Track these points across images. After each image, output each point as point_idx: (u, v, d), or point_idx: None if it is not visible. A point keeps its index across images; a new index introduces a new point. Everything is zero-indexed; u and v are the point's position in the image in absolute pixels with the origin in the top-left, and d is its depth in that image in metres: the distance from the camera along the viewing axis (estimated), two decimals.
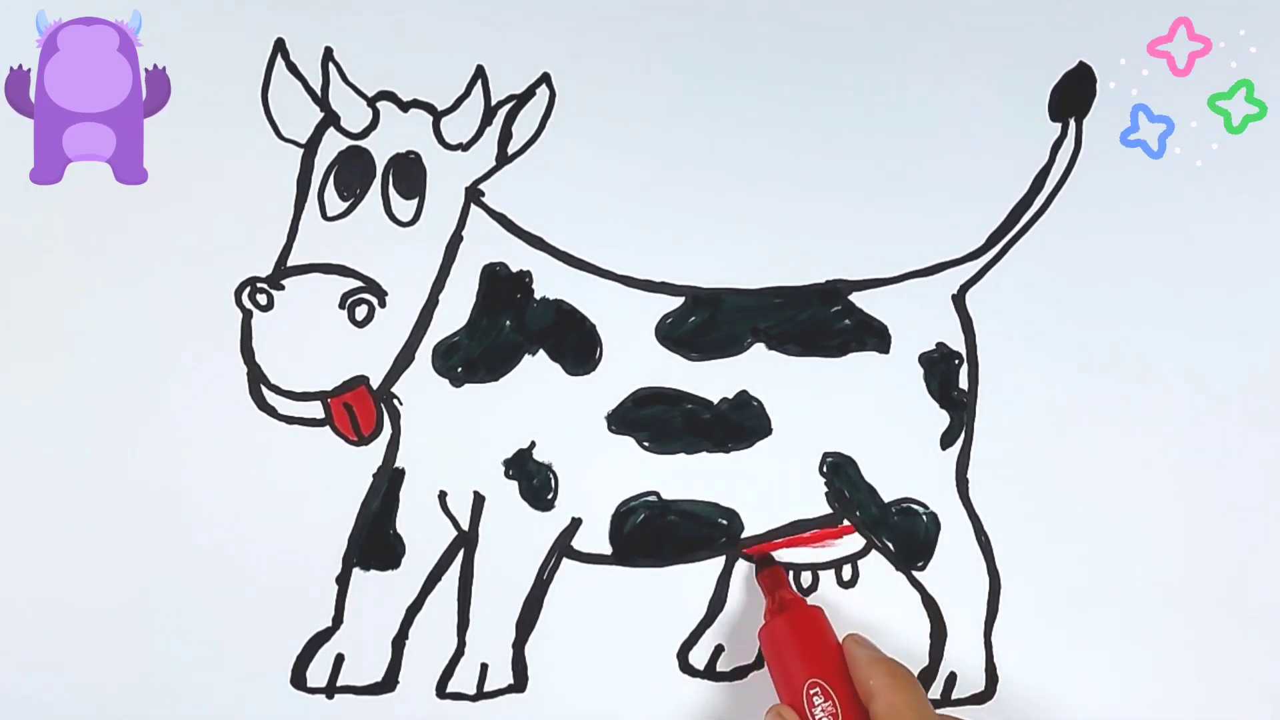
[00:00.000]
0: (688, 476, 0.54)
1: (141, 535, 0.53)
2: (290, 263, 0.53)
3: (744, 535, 0.54)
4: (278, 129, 0.54)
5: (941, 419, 0.54)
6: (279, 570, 0.53)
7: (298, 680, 0.53)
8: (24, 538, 0.53)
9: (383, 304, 0.53)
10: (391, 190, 0.54)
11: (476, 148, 0.55)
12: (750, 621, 0.54)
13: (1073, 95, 0.56)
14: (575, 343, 0.54)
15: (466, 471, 0.54)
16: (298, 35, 0.55)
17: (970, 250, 0.55)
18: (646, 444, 0.54)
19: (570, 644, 0.54)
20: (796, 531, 0.54)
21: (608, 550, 0.54)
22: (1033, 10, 0.56)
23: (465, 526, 0.54)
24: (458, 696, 0.53)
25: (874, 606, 0.54)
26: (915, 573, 0.54)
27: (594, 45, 0.55)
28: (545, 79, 0.55)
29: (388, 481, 0.54)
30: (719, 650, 0.54)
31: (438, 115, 0.54)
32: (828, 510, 0.54)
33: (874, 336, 0.55)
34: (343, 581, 0.53)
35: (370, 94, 0.54)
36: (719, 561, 0.54)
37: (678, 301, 0.55)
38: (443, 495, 0.54)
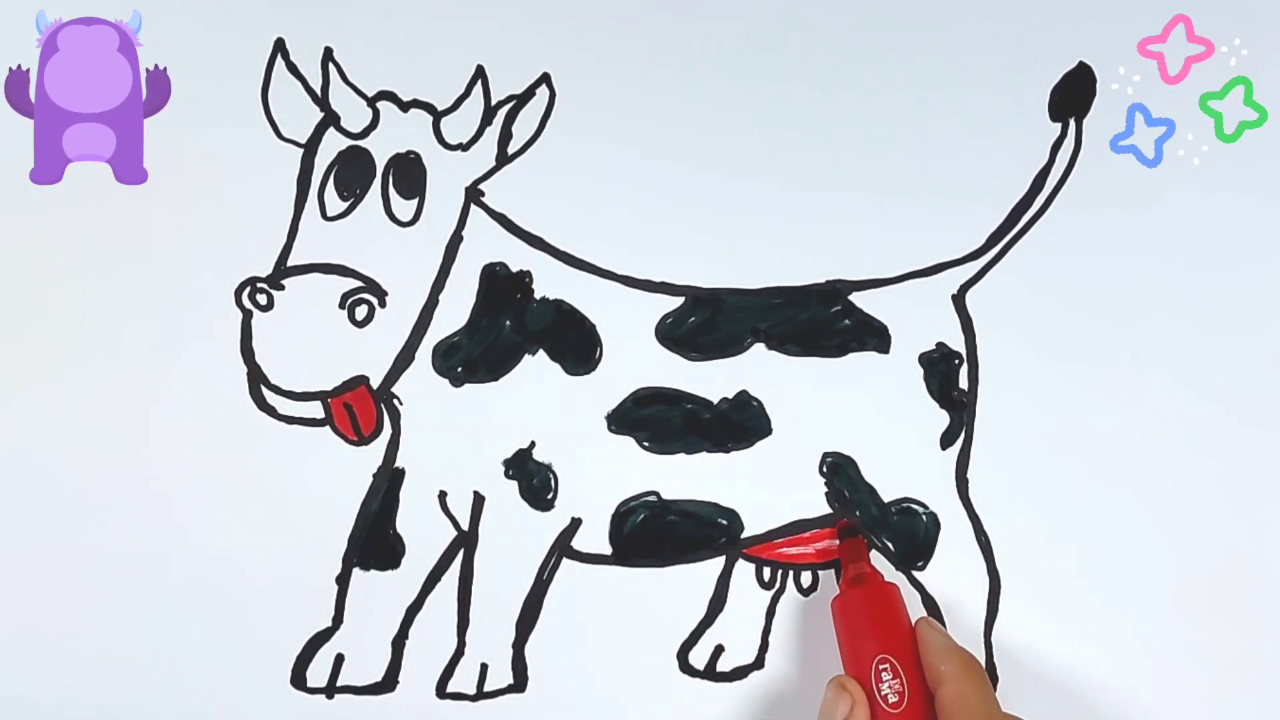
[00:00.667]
0: (688, 476, 0.54)
1: (141, 535, 0.53)
2: (290, 263, 0.53)
3: (744, 535, 0.54)
4: (278, 129, 0.54)
5: (941, 419, 0.54)
6: (279, 570, 0.53)
7: (298, 680, 0.53)
8: (24, 538, 0.53)
9: (383, 304, 0.53)
10: (391, 190, 0.54)
11: (476, 148, 0.55)
12: (750, 621, 0.54)
13: (1073, 95, 0.56)
14: (575, 343, 0.54)
15: (466, 471, 0.54)
16: (298, 35, 0.55)
17: (970, 250, 0.55)
18: (646, 444, 0.54)
19: (570, 644, 0.54)
20: (796, 531, 0.54)
21: (608, 550, 0.54)
22: (1032, 10, 0.56)
23: (465, 526, 0.54)
24: (458, 696, 0.53)
25: None
26: (915, 573, 0.54)
27: (594, 45, 0.55)
28: (545, 79, 0.55)
29: (388, 481, 0.54)
30: (719, 650, 0.54)
31: (438, 115, 0.54)
32: (828, 510, 0.54)
33: (874, 336, 0.55)
34: (343, 581, 0.53)
35: (370, 94, 0.54)
36: (719, 561, 0.54)
37: (678, 301, 0.55)
38: (443, 495, 0.54)
